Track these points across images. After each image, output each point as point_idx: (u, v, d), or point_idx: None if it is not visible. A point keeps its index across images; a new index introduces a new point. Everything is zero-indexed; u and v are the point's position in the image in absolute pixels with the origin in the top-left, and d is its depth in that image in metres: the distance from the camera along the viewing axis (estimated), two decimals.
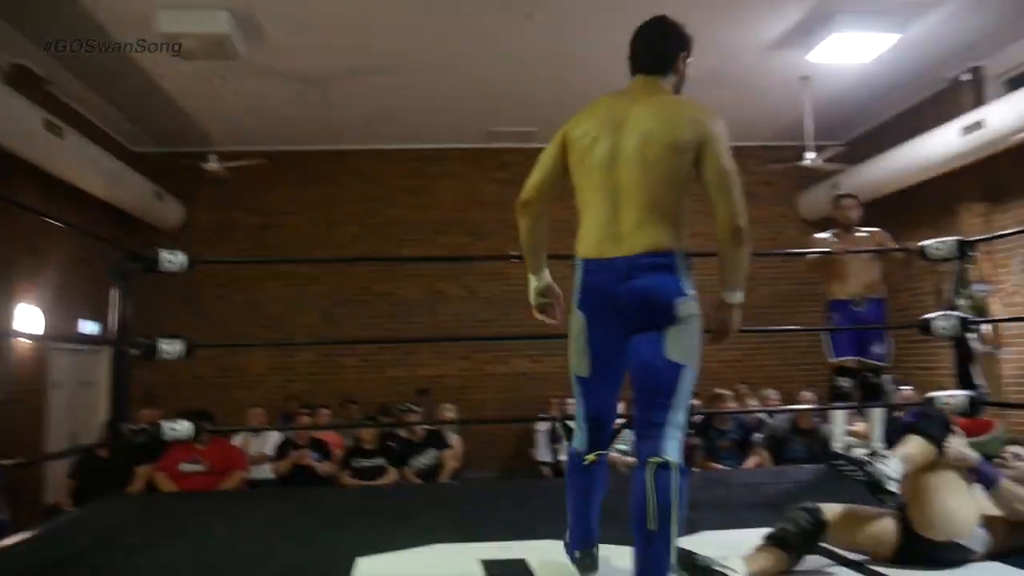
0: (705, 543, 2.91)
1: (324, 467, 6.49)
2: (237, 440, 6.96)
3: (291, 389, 10.00)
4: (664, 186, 2.46)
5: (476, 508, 4.02)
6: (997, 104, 7.44)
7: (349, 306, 10.30)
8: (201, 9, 6.64)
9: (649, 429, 2.35)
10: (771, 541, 2.69)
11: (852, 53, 7.73)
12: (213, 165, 8.59)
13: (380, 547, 3.05)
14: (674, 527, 2.23)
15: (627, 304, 2.42)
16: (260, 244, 10.32)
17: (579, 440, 2.66)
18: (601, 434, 2.64)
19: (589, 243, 2.55)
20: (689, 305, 2.44)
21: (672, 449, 2.31)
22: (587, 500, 2.63)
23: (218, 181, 9.11)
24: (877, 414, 5.17)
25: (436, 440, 6.62)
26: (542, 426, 9.02)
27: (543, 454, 8.72)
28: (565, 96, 8.89)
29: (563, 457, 7.89)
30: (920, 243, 4.66)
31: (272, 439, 7.01)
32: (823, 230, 5.57)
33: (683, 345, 2.40)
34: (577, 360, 2.56)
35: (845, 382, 5.20)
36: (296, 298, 10.26)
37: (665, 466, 2.27)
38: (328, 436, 6.94)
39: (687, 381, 2.40)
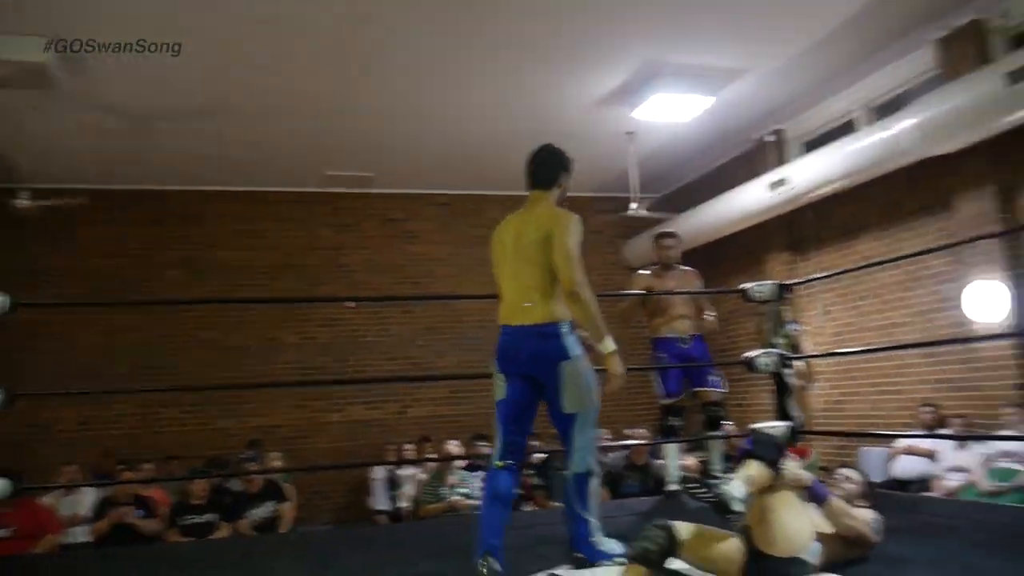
0: None
1: (149, 525, 6.07)
2: (46, 501, 6.38)
3: (107, 445, 9.28)
4: (540, 270, 3.24)
5: (330, 556, 3.92)
6: (798, 163, 8.22)
7: (172, 355, 9.73)
8: (16, 36, 6.23)
9: (565, 455, 3.31)
10: (635, 559, 2.81)
11: (672, 112, 8.33)
12: (23, 202, 7.97)
13: None
14: (590, 508, 3.25)
15: (526, 361, 3.27)
16: (74, 288, 9.61)
17: (496, 454, 3.38)
18: (510, 450, 3.37)
19: (503, 314, 3.42)
20: (574, 364, 3.20)
21: (576, 465, 3.27)
22: (490, 507, 3.23)
23: (28, 219, 8.45)
24: (717, 444, 5.48)
25: (273, 492, 6.36)
26: (379, 474, 8.87)
27: (380, 502, 8.57)
28: (402, 143, 9.13)
29: (403, 504, 7.80)
30: (742, 285, 5.06)
31: (88, 498, 6.48)
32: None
33: (574, 397, 3.20)
34: (496, 389, 3.43)
35: (676, 420, 5.47)
36: (113, 347, 9.60)
37: (572, 476, 3.28)
38: (152, 492, 6.52)
39: (581, 422, 3.24)
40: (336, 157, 9.52)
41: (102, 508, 6.09)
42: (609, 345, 3.15)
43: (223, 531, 5.93)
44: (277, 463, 7.57)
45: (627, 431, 8.87)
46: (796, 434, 4.95)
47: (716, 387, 5.42)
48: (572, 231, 3.22)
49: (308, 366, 10.14)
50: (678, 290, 5.33)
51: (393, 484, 8.20)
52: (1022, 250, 6.56)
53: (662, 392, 5.52)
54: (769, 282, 5.10)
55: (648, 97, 7.94)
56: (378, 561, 3.53)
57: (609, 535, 3.40)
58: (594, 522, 3.28)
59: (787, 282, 5.23)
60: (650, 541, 2.83)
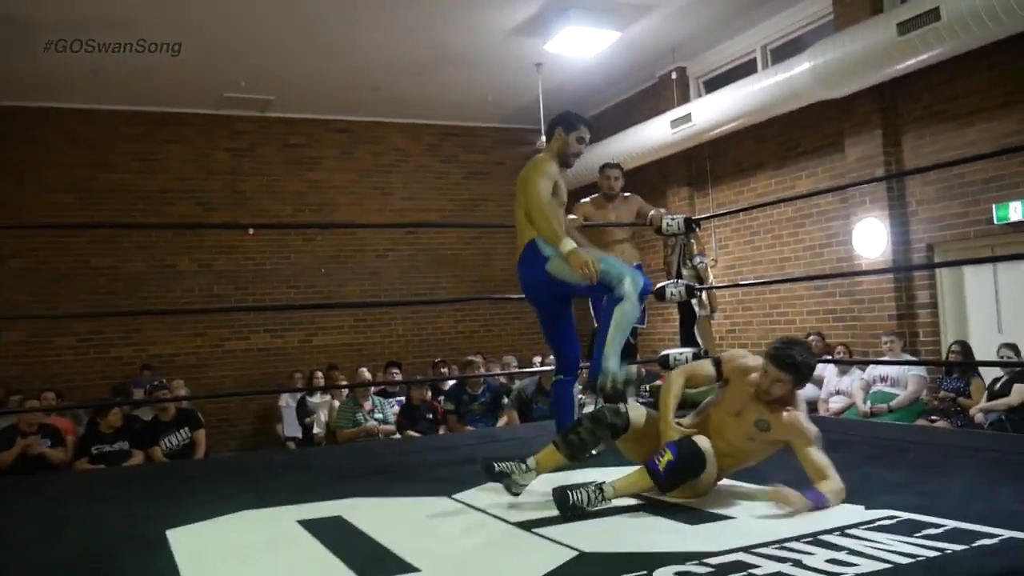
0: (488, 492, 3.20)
1: (57, 454, 5.94)
2: None
3: None
4: (522, 208, 3.65)
5: (260, 478, 3.99)
6: (700, 102, 8.51)
7: (64, 282, 9.33)
8: None
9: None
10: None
11: (581, 46, 8.42)
12: None
13: (180, 521, 2.97)
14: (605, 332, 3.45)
15: (527, 289, 3.81)
16: None
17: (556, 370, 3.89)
18: (562, 364, 3.85)
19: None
20: (553, 260, 3.52)
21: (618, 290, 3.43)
22: (559, 413, 3.88)
23: None
24: (634, 369, 5.73)
25: (188, 419, 6.31)
26: (288, 401, 8.88)
27: (291, 429, 8.60)
28: (303, 67, 8.87)
29: (317, 430, 7.87)
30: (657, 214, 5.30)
31: None
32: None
33: (578, 276, 3.42)
34: None
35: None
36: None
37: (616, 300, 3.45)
38: (58, 421, 6.35)
39: (608, 271, 3.42)
40: (234, 79, 9.16)
41: (7, 438, 5.89)
42: (566, 246, 3.39)
43: (136, 459, 5.86)
44: (181, 391, 7.47)
45: (536, 358, 9.16)
46: (700, 359, 5.30)
47: (639, 321, 5.63)
48: (536, 168, 3.64)
49: (209, 294, 9.92)
50: (619, 221, 5.44)
51: (305, 411, 8.23)
52: (904, 191, 7.09)
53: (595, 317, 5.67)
54: (680, 215, 5.36)
55: (558, 30, 8.00)
56: (321, 481, 3.64)
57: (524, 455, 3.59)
58: (613, 346, 3.41)
59: (697, 216, 5.51)
60: (593, 420, 3.02)
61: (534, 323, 11.75)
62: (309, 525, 2.85)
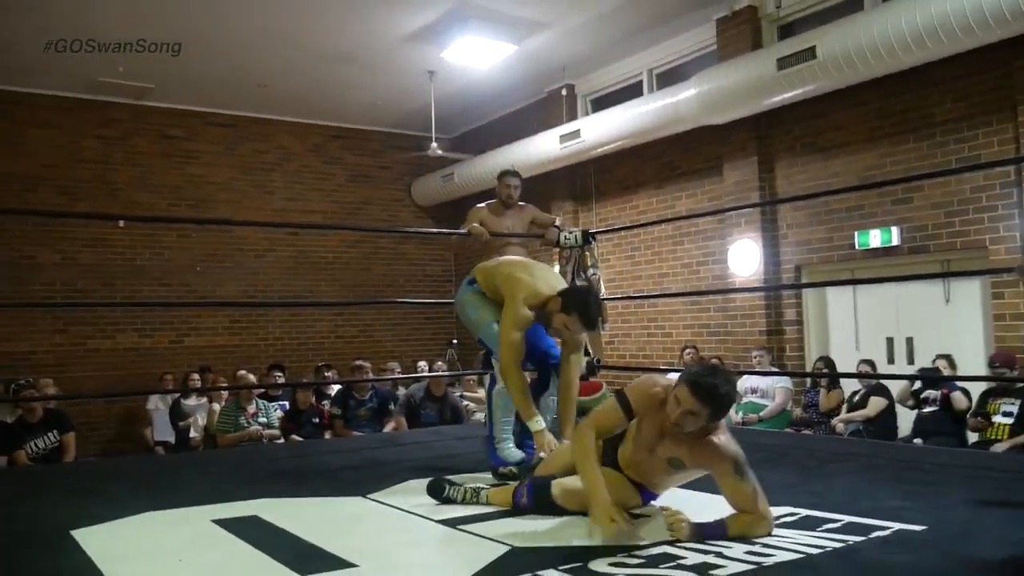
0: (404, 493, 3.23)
1: None
2: None
3: None
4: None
5: (155, 481, 3.84)
6: (590, 119, 8.79)
7: None
8: None
9: None
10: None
11: (476, 57, 8.53)
12: None
13: (83, 522, 2.83)
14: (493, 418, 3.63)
15: None
16: None
17: None
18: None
19: None
20: (457, 303, 3.75)
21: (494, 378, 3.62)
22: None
23: None
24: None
25: (57, 421, 5.94)
26: (158, 404, 8.49)
27: (162, 433, 8.21)
28: (187, 58, 8.53)
29: (194, 434, 7.57)
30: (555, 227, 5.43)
31: None
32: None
33: (469, 327, 3.70)
34: None
35: None
36: None
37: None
38: None
39: (486, 341, 3.60)
40: (110, 63, 8.69)
41: None
42: (535, 425, 3.27)
43: None
44: (50, 390, 7.02)
45: (421, 363, 9.15)
46: (593, 369, 5.50)
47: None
48: (514, 319, 3.35)
49: (72, 288, 9.35)
50: (514, 229, 5.37)
51: (180, 414, 7.88)
52: (776, 216, 7.57)
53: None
54: (578, 229, 5.53)
55: (455, 39, 8.08)
56: (225, 482, 3.53)
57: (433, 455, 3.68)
58: (498, 431, 3.61)
59: (593, 230, 5.70)
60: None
61: (417, 329, 11.75)
62: (226, 524, 2.79)
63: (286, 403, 7.32)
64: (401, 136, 11.23)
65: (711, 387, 2.47)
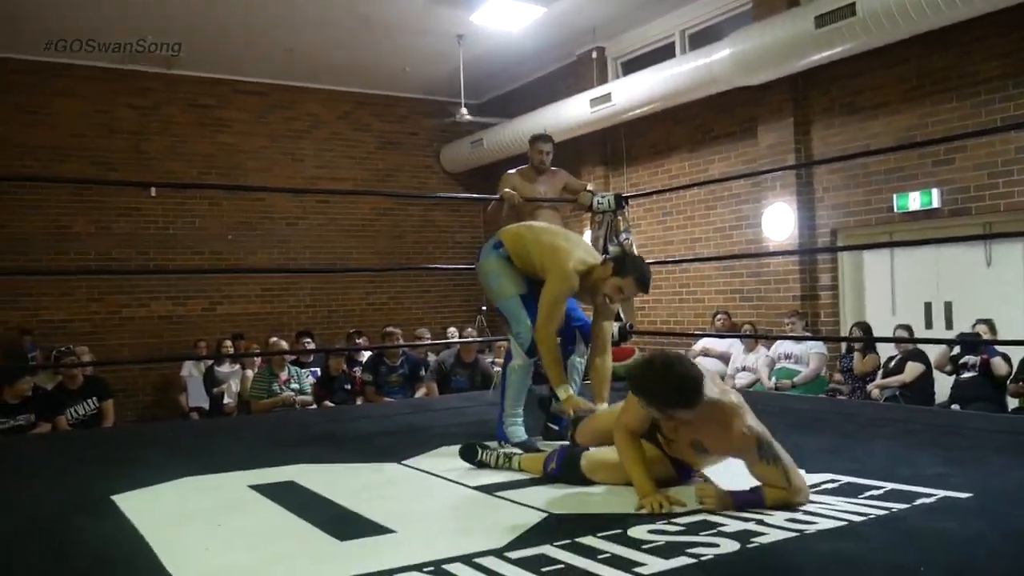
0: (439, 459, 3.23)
1: None
2: None
3: None
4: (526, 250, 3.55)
5: (191, 446, 3.88)
6: (620, 82, 8.65)
7: None
8: None
9: None
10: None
11: (505, 19, 8.42)
12: None
13: (122, 487, 2.86)
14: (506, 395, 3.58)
15: None
16: None
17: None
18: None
19: None
20: (480, 266, 3.64)
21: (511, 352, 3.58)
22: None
23: None
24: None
25: (96, 387, 6.03)
26: (192, 371, 8.60)
27: (196, 400, 8.33)
28: (216, 23, 8.49)
29: (228, 400, 7.67)
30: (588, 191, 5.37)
31: None
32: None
33: (488, 293, 3.63)
34: None
35: None
36: None
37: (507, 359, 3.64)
38: None
39: (504, 313, 3.55)
40: (139, 30, 8.69)
41: None
42: (564, 392, 3.30)
43: (42, 430, 5.55)
44: (86, 357, 7.11)
45: (451, 330, 9.16)
46: (625, 334, 5.46)
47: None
48: (560, 286, 3.31)
49: (107, 257, 9.47)
50: (547, 195, 5.30)
51: (214, 381, 7.98)
52: (811, 179, 7.43)
53: None
54: (610, 193, 5.46)
55: (484, 2, 7.97)
56: (260, 448, 3.56)
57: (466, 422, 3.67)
58: (508, 407, 3.55)
59: (625, 194, 5.63)
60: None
61: (446, 296, 11.77)
62: (262, 490, 2.80)
63: (317, 370, 7.37)
64: (430, 102, 11.17)
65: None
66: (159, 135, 9.94)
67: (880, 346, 6.64)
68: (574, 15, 8.69)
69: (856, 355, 6.64)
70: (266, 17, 8.45)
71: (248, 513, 2.53)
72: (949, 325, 6.68)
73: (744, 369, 7.31)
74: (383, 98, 11.27)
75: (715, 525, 2.24)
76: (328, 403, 6.98)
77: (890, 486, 2.60)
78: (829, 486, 2.66)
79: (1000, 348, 5.84)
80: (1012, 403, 5.76)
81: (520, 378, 3.54)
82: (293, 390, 6.77)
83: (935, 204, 6.45)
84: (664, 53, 8.85)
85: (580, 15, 8.71)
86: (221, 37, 9.02)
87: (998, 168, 6.12)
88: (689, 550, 2.02)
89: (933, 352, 6.24)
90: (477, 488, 2.76)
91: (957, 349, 6.06)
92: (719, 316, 7.83)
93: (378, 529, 2.29)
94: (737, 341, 7.52)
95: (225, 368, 8.04)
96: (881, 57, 6.68)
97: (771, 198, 7.58)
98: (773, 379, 6.92)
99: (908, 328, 6.39)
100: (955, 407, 5.90)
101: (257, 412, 6.57)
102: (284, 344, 7.54)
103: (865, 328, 6.65)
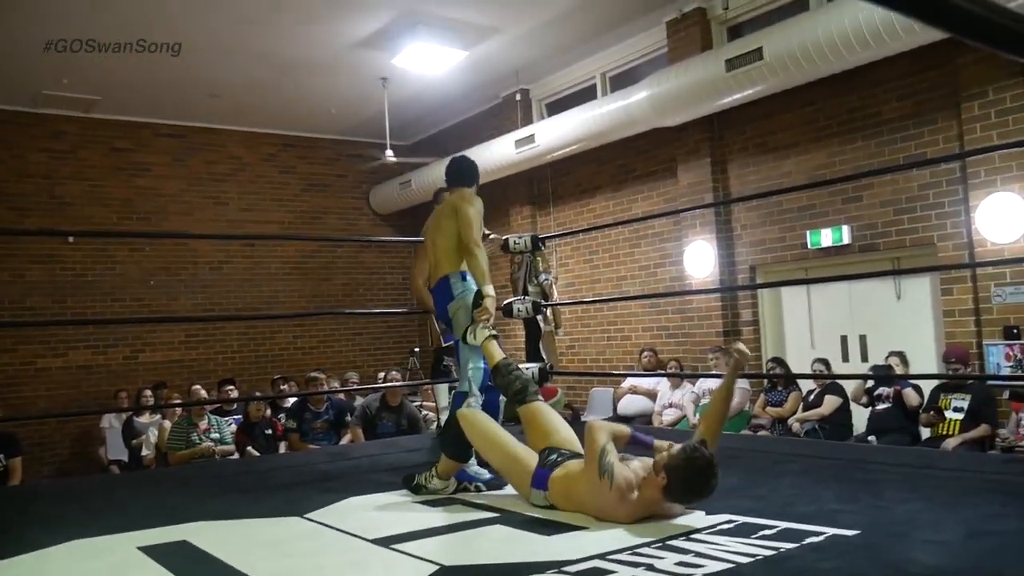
0: (342, 511, 3.17)
1: None
2: None
3: None
4: (447, 239, 3.83)
5: (90, 504, 3.73)
6: (545, 123, 8.76)
7: None
8: None
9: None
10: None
11: (427, 63, 8.48)
12: None
13: (10, 552, 2.72)
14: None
15: (440, 311, 3.96)
16: None
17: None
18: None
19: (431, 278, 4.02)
20: (457, 303, 3.77)
21: (460, 385, 3.75)
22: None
23: None
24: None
25: (5, 444, 5.78)
26: (111, 422, 8.32)
27: (115, 452, 8.05)
28: (134, 70, 8.37)
29: (146, 452, 7.41)
30: (504, 236, 5.40)
31: None
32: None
33: (458, 326, 3.77)
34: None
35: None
36: None
37: (454, 394, 3.80)
38: None
39: (463, 349, 3.76)
40: (56, 76, 8.53)
41: None
42: (489, 291, 3.64)
43: None
44: None
45: (381, 374, 9.06)
46: (546, 374, 5.45)
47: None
48: (471, 203, 3.81)
49: (21, 307, 9.15)
50: None
51: (132, 432, 7.72)
52: (730, 217, 7.59)
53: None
54: (527, 234, 5.50)
55: (405, 46, 8.02)
56: (160, 504, 3.43)
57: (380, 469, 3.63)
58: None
59: (543, 235, 5.67)
60: None
61: (377, 338, 11.63)
62: (152, 551, 2.69)
63: (240, 417, 7.20)
64: (357, 144, 11.13)
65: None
66: (75, 179, 9.69)
67: (801, 379, 6.77)
68: (495, 59, 8.80)
69: (791, 399, 6.69)
70: (187, 65, 8.34)
71: None
72: (864, 357, 6.85)
73: (671, 406, 7.38)
74: (310, 140, 11.21)
75: (604, 572, 2.22)
76: (252, 450, 6.82)
77: (784, 525, 2.62)
78: (725, 526, 2.67)
79: (912, 380, 6.00)
80: (925, 433, 5.91)
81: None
82: (213, 439, 6.60)
83: (846, 240, 6.64)
84: (586, 95, 9.00)
85: (501, 58, 8.83)
86: (141, 84, 8.88)
87: (903, 204, 6.34)
88: None
89: (850, 385, 6.38)
90: (374, 541, 2.70)
91: (872, 382, 6.21)
92: (645, 353, 7.90)
93: None
94: (664, 378, 7.59)
95: (144, 419, 7.79)
96: (791, 98, 6.90)
97: (692, 236, 7.72)
98: (697, 415, 6.98)
99: (825, 362, 6.53)
100: (871, 439, 6.03)
101: (175, 463, 6.38)
102: (203, 393, 7.35)
103: (780, 363, 6.78)
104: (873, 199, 6.52)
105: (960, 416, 5.56)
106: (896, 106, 6.39)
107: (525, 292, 5.63)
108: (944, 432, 5.59)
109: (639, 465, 2.93)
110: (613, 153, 8.55)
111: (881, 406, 6.10)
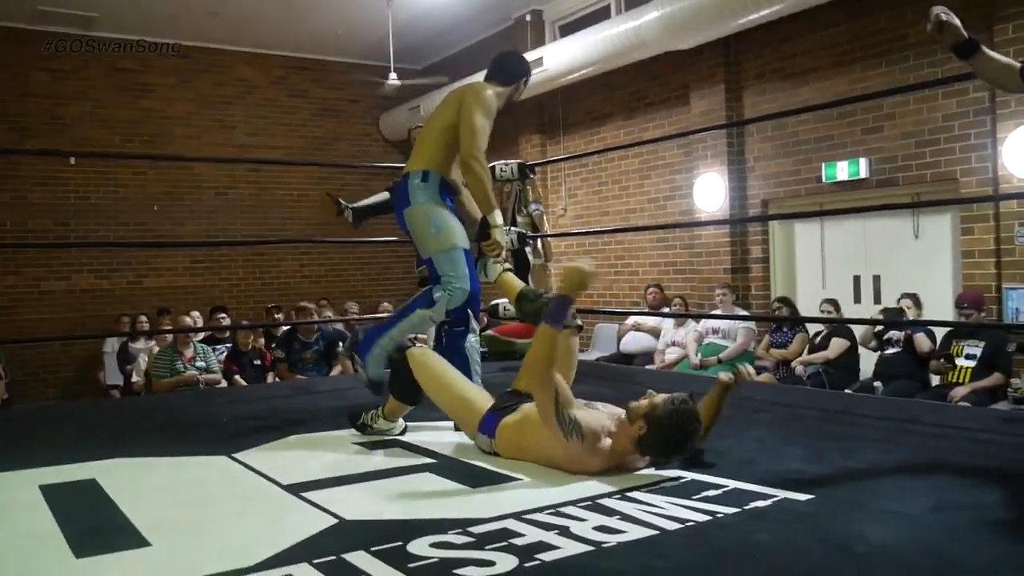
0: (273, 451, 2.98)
1: None
2: None
3: None
4: (437, 132, 3.25)
5: (31, 434, 3.59)
6: (554, 46, 8.31)
7: None
8: None
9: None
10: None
11: None
12: None
13: None
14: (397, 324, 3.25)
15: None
16: None
17: None
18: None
19: None
20: (412, 211, 3.19)
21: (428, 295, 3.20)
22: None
23: None
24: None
25: None
26: (111, 347, 8.28)
27: (113, 377, 8.03)
28: None
29: (136, 378, 7.35)
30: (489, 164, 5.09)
31: None
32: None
33: (420, 242, 3.21)
34: None
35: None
36: None
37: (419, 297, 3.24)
38: None
39: (437, 263, 3.18)
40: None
41: None
42: (496, 219, 3.21)
43: None
44: None
45: (385, 303, 8.86)
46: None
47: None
48: (483, 104, 3.16)
49: (23, 229, 9.05)
50: None
51: (127, 357, 7.67)
52: (743, 148, 7.17)
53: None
54: (513, 161, 5.17)
55: None
56: (93, 437, 3.29)
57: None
58: (390, 335, 3.26)
59: (530, 162, 5.34)
60: None
61: (386, 268, 11.41)
62: (52, 491, 2.52)
63: (231, 345, 7.07)
64: (365, 67, 10.75)
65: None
66: (77, 100, 9.48)
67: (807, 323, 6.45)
68: None
69: (796, 340, 6.37)
70: None
71: (5, 520, 2.26)
72: (877, 299, 6.50)
73: (674, 344, 7.10)
74: (319, 63, 10.85)
75: (512, 535, 1.99)
76: (240, 379, 6.71)
77: (732, 485, 2.37)
78: (668, 484, 2.42)
79: (924, 320, 5.66)
80: (935, 380, 5.59)
81: (419, 324, 3.30)
82: (199, 368, 6.48)
83: (863, 174, 6.23)
84: (601, 16, 8.51)
85: None
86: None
87: (925, 136, 5.89)
88: (457, 570, 1.78)
89: (859, 327, 6.04)
90: (288, 487, 2.50)
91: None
92: (651, 289, 7.60)
93: (132, 542, 2.02)
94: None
95: (140, 344, 7.73)
96: (813, 20, 6.42)
97: (703, 167, 7.33)
98: (699, 355, 6.71)
99: (834, 302, 6.18)
100: (877, 384, 5.73)
101: (159, 391, 6.29)
102: (190, 321, 7.23)
103: (786, 302, 6.46)
104: (894, 130, 6.07)
105: (972, 364, 5.23)
106: (924, 28, 5.87)
107: (514, 223, 5.37)
108: (955, 380, 5.27)
109: (606, 413, 2.69)
110: (625, 79, 8.11)
111: (890, 350, 5.79)
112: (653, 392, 2.61)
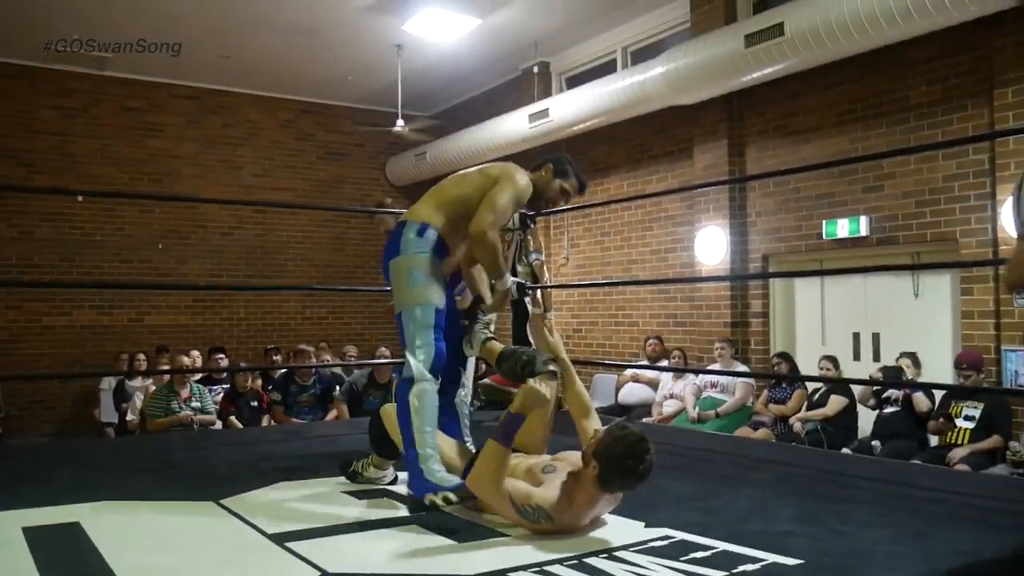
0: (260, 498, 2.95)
1: None
2: None
3: None
4: (455, 193, 3.06)
5: (21, 473, 3.56)
6: (560, 98, 8.42)
7: None
8: None
9: None
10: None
11: (440, 30, 8.18)
12: None
13: None
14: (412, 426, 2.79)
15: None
16: None
17: None
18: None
19: None
20: (399, 262, 2.92)
21: (405, 370, 2.87)
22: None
23: None
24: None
25: None
26: (108, 384, 8.25)
27: (108, 414, 7.98)
28: (146, 26, 8.19)
29: (131, 417, 7.32)
30: None
31: None
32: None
33: (395, 295, 2.94)
34: None
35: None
36: None
37: (397, 384, 2.94)
38: None
39: (404, 321, 2.89)
40: (65, 30, 8.36)
41: None
42: (504, 283, 3.10)
43: None
44: None
45: (383, 348, 8.85)
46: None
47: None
48: (517, 183, 3.03)
49: (28, 263, 9.10)
50: None
51: (123, 395, 7.64)
52: (744, 202, 7.21)
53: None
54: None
55: (416, 11, 7.74)
56: (80, 478, 3.26)
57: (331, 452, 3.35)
58: (421, 445, 2.76)
59: (531, 212, 5.37)
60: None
61: (388, 312, 11.40)
62: (34, 534, 2.50)
63: (228, 385, 7.05)
64: (372, 113, 10.87)
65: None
66: (86, 138, 9.59)
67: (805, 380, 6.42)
68: (512, 28, 8.45)
69: (795, 397, 6.33)
70: (197, 22, 8.15)
71: None
72: (877, 356, 6.46)
73: (672, 396, 7.06)
74: (326, 107, 10.99)
75: None
76: (235, 420, 6.68)
77: (722, 547, 2.34)
78: (657, 543, 2.40)
79: (922, 383, 5.62)
80: (933, 440, 5.53)
81: (428, 406, 2.80)
82: (194, 408, 6.45)
83: (863, 232, 6.25)
84: (607, 70, 8.63)
85: (519, 28, 8.48)
86: (146, 32, 8.68)
87: (925, 196, 5.92)
88: None
89: (858, 385, 6.01)
90: (272, 536, 2.48)
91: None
92: (650, 341, 7.58)
93: None
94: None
95: (136, 382, 7.70)
96: (814, 79, 6.50)
97: (705, 221, 7.36)
98: (696, 409, 6.67)
99: (833, 360, 6.15)
100: (875, 443, 5.68)
101: (153, 431, 6.25)
102: (186, 360, 7.22)
103: (786, 358, 6.44)
104: (894, 189, 6.10)
105: (971, 425, 5.17)
106: (925, 90, 5.95)
107: (514, 272, 5.36)
108: (953, 441, 5.22)
109: (563, 465, 2.66)
110: (629, 131, 8.18)
111: (889, 409, 5.74)
112: (599, 430, 2.61)
